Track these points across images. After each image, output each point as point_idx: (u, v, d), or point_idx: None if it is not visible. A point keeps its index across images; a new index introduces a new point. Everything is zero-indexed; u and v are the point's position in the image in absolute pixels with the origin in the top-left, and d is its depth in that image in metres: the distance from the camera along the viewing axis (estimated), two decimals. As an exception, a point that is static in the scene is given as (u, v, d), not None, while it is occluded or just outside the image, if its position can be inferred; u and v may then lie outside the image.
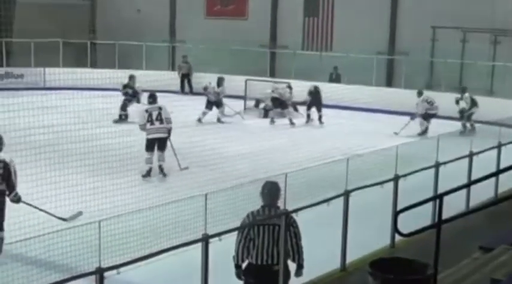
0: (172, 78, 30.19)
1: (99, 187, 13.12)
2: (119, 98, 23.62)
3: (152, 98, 17.43)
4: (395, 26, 31.32)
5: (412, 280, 5.70)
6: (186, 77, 32.58)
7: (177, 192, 12.68)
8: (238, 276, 8.21)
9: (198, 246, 7.94)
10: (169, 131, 17.01)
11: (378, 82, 29.61)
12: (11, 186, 10.87)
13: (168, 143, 16.97)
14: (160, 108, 17.06)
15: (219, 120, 25.24)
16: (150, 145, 16.70)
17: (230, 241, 8.24)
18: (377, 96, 28.17)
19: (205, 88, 25.59)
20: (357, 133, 23.10)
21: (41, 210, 11.91)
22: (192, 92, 31.44)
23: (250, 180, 10.42)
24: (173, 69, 35.11)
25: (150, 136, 16.74)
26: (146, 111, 17.08)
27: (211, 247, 7.95)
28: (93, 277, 7.01)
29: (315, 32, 33.46)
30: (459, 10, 28.44)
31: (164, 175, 16.64)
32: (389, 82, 31.05)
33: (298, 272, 8.29)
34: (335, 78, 31.11)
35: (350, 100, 28.28)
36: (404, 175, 11.70)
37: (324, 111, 26.83)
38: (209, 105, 25.27)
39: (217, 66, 28.92)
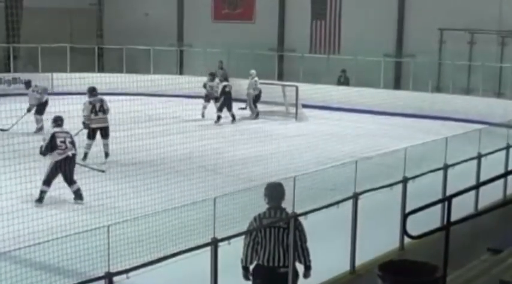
0: (180, 82, 30.11)
1: (105, 192, 13.21)
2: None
3: None
4: (403, 28, 31.25)
5: (421, 282, 5.70)
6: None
7: (185, 196, 12.68)
8: (246, 277, 8.23)
9: (207, 250, 7.94)
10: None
11: (386, 85, 29.58)
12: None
13: None
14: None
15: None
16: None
17: (239, 245, 8.25)
18: (385, 99, 28.16)
19: None
20: (365, 136, 23.09)
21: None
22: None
23: (259, 184, 10.41)
24: (181, 73, 35.05)
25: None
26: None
27: (220, 250, 7.96)
28: (102, 282, 7.02)
29: (322, 35, 33.42)
30: (466, 12, 28.37)
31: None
32: (397, 85, 30.96)
33: (306, 274, 8.30)
34: (343, 81, 31.07)
35: (358, 103, 28.33)
36: (413, 178, 11.69)
37: (333, 113, 26.90)
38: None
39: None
